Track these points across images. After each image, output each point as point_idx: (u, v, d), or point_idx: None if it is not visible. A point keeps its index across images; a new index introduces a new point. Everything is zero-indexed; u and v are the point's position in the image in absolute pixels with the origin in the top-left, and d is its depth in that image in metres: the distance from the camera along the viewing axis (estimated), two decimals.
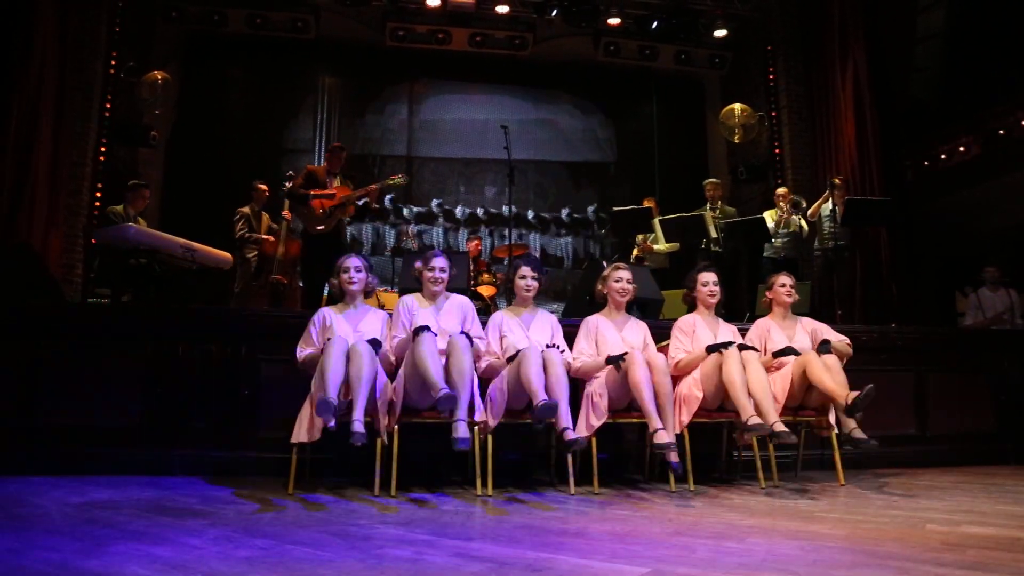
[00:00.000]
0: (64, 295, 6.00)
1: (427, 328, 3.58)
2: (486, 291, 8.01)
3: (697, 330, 4.17)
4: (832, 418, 4.01)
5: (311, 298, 6.25)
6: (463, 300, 4.04)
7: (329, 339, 3.53)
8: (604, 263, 5.98)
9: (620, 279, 4.11)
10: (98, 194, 7.62)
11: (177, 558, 2.27)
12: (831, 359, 3.92)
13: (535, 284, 4.03)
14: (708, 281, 4.24)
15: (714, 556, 2.38)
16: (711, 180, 8.05)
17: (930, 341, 5.28)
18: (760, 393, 3.73)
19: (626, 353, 3.74)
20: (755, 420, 3.63)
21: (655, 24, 9.62)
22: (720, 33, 9.82)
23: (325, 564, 2.24)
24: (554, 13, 9.34)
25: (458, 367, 3.48)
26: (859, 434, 3.81)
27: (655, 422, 3.60)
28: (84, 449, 4.00)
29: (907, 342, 5.15)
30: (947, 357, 5.22)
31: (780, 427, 3.64)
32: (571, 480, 3.74)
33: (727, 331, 4.22)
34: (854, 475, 4.02)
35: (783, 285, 4.36)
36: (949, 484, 4.11)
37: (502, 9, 9.41)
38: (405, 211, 10.17)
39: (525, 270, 4.03)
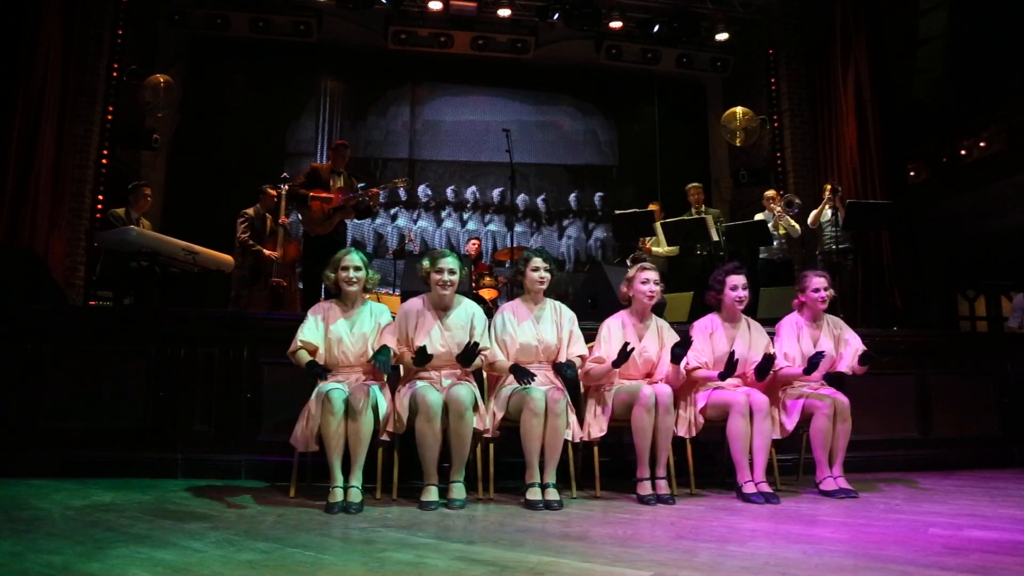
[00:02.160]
0: (66, 298, 6.01)
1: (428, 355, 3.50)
2: (488, 294, 8.00)
3: (715, 335, 4.01)
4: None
5: (311, 300, 6.23)
6: (472, 308, 3.82)
7: (326, 393, 3.35)
8: (603, 264, 5.97)
9: (647, 280, 3.89)
10: (100, 197, 7.62)
11: (179, 561, 2.27)
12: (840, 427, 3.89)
13: (548, 276, 3.82)
14: (738, 285, 3.97)
15: (716, 560, 2.38)
16: (693, 184, 7.98)
17: (933, 344, 5.27)
18: (759, 453, 3.73)
19: (629, 346, 3.69)
20: (750, 488, 3.64)
21: (657, 27, 9.63)
22: (722, 36, 9.82)
23: (327, 567, 2.24)
24: (556, 17, 9.34)
25: (458, 432, 3.42)
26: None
27: (643, 469, 3.63)
28: (86, 452, 4.00)
29: (909, 345, 5.14)
30: (950, 360, 5.20)
31: (765, 487, 3.67)
32: (573, 483, 3.74)
33: (742, 343, 4.00)
34: (856, 479, 4.01)
35: (817, 290, 4.07)
36: (952, 488, 4.10)
37: (504, 13, 9.40)
38: (405, 218, 10.18)
39: (537, 261, 3.81)
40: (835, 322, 4.23)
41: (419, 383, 3.57)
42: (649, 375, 3.93)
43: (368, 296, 3.90)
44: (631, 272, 3.99)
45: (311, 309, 3.77)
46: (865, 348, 4.08)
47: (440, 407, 3.42)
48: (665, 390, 3.68)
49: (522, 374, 3.54)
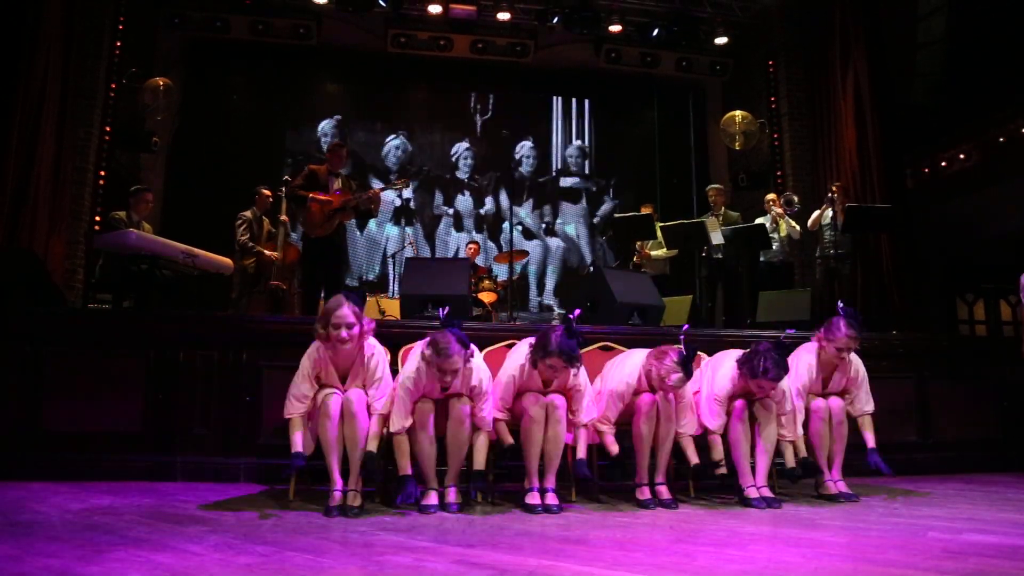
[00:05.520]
0: (65, 300, 6.00)
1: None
2: (487, 297, 8.01)
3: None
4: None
5: (310, 303, 6.24)
6: (474, 376, 3.47)
7: (324, 400, 3.36)
8: (603, 269, 5.97)
9: (672, 380, 3.53)
10: (100, 199, 7.63)
11: (178, 565, 2.27)
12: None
13: (567, 376, 3.54)
14: (763, 387, 3.62)
15: (715, 564, 2.38)
16: (714, 186, 8.05)
17: (932, 348, 5.27)
18: (762, 457, 3.71)
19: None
20: (752, 493, 3.63)
21: (656, 31, 9.65)
22: (721, 40, 9.83)
23: (326, 571, 2.24)
24: (555, 20, 9.36)
25: (456, 439, 3.42)
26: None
27: (643, 475, 3.64)
28: (85, 455, 4.00)
29: (908, 349, 5.14)
30: (949, 364, 5.20)
31: (767, 492, 3.65)
32: (572, 487, 3.73)
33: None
34: (855, 482, 4.00)
35: (839, 350, 3.82)
36: (951, 491, 4.10)
37: (503, 16, 9.43)
38: (405, 220, 10.20)
39: (556, 361, 3.40)
40: (853, 364, 3.99)
41: None
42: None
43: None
44: (663, 367, 3.56)
45: (306, 358, 3.48)
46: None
47: (433, 414, 3.40)
48: (667, 397, 3.65)
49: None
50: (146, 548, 2.47)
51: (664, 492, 3.62)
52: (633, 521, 3.18)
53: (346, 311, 3.37)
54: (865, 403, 3.97)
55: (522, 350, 3.60)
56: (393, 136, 10.34)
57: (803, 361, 3.94)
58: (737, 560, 2.42)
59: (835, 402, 3.90)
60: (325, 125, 10.15)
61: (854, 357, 3.98)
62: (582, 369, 3.60)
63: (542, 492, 3.46)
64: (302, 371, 3.46)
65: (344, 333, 3.34)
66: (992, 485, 4.35)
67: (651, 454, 3.66)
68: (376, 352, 3.52)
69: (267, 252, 6.84)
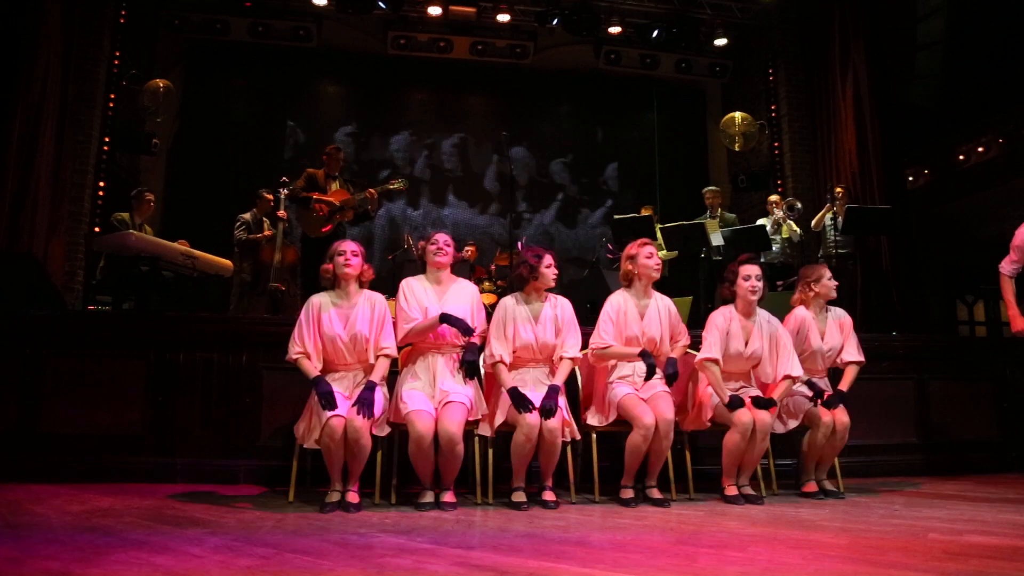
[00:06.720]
0: (65, 303, 6.01)
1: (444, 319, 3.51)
2: (487, 299, 8.00)
3: (731, 330, 3.85)
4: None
5: None
6: (470, 287, 3.82)
7: (328, 422, 3.27)
8: (609, 252, 5.96)
9: (651, 255, 3.79)
10: (100, 202, 7.63)
11: (178, 567, 2.27)
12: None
13: (555, 272, 3.77)
14: (751, 275, 3.81)
15: (716, 565, 2.38)
16: (710, 188, 8.07)
17: (932, 349, 5.27)
18: (750, 462, 3.76)
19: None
20: (732, 491, 3.71)
21: (655, 33, 9.65)
22: (720, 42, 9.82)
23: (326, 573, 2.24)
24: (555, 22, 9.36)
25: (448, 460, 3.40)
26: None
27: (629, 479, 3.67)
28: (84, 457, 3.99)
29: (908, 350, 5.14)
30: (949, 365, 5.20)
31: (748, 491, 3.75)
32: (572, 488, 3.73)
33: (758, 337, 3.85)
34: (855, 484, 4.00)
35: (832, 279, 4.10)
36: (951, 493, 4.10)
37: (503, 18, 9.44)
38: (403, 221, 10.19)
39: (548, 258, 3.74)
40: (839, 314, 4.19)
41: (413, 388, 3.54)
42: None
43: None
44: (632, 249, 3.84)
45: (303, 309, 3.66)
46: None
47: (431, 436, 3.35)
48: (667, 417, 3.53)
49: (519, 402, 3.44)
50: (146, 550, 2.46)
51: (655, 493, 3.68)
52: (633, 523, 3.18)
53: (349, 243, 3.70)
54: (855, 354, 4.09)
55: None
56: (397, 135, 10.34)
57: (793, 320, 4.10)
58: (737, 562, 2.42)
59: (841, 416, 3.88)
60: (337, 134, 10.13)
61: (841, 311, 4.19)
62: (569, 307, 3.79)
63: (541, 489, 3.53)
64: (302, 315, 3.62)
65: (349, 258, 3.60)
66: (992, 486, 4.35)
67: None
68: (380, 299, 3.71)
69: (265, 233, 6.82)
